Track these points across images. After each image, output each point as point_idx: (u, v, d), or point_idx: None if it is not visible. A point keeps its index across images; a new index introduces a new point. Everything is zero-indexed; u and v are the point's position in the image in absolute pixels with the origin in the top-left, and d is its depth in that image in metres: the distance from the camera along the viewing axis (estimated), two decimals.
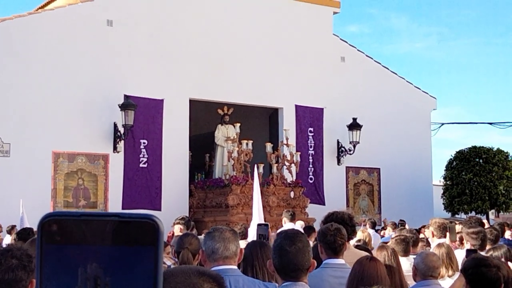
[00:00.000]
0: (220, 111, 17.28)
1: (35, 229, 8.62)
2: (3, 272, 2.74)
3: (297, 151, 16.78)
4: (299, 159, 16.73)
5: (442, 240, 7.19)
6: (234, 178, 15.25)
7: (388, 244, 6.90)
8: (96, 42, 15.99)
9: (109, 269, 0.84)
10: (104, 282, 0.83)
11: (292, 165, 16.36)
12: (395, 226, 13.95)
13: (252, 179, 15.29)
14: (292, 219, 10.79)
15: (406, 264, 6.21)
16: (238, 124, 16.41)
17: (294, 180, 16.45)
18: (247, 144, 15.89)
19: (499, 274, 3.79)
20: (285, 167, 16.26)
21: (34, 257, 2.82)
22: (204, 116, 19.04)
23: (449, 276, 5.70)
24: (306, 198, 16.44)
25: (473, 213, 20.20)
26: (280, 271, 3.49)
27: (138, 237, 0.85)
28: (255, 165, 12.82)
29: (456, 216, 21.35)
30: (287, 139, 16.73)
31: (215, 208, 15.68)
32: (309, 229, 10.27)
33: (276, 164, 16.11)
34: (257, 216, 9.36)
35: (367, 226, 13.83)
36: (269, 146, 16.29)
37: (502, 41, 58.17)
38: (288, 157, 16.34)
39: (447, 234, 7.27)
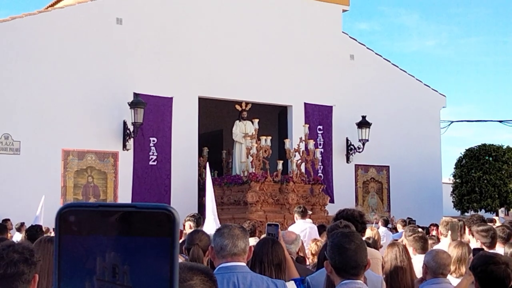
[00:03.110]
0: (238, 107, 17.17)
1: (44, 225, 8.62)
2: (5, 266, 2.74)
3: (305, 149, 16.60)
4: (319, 156, 16.59)
5: (447, 239, 7.17)
6: (253, 175, 14.98)
7: (400, 241, 6.90)
8: (105, 40, 16.04)
9: (127, 259, 0.85)
10: (122, 271, 0.84)
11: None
12: (404, 223, 13.92)
13: (271, 176, 15.26)
14: (304, 215, 10.70)
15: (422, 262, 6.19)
16: (257, 120, 16.18)
17: (314, 177, 16.24)
18: (266, 140, 15.62)
19: (508, 271, 3.79)
20: (303, 163, 16.06)
21: (35, 252, 2.85)
22: (213, 113, 19.09)
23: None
24: (326, 195, 16.20)
25: (483, 211, 20.15)
26: (340, 269, 3.52)
27: (155, 227, 0.85)
28: (207, 164, 12.55)
29: (466, 214, 21.27)
30: (306, 135, 16.62)
31: (233, 206, 15.43)
32: (321, 227, 10.24)
33: (296, 161, 15.87)
34: (211, 215, 9.40)
35: (380, 224, 13.84)
36: (287, 143, 16.14)
37: None
38: (306, 154, 16.12)
39: (445, 232, 7.26)
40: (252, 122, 16.41)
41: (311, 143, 16.31)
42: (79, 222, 0.86)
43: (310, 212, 14.62)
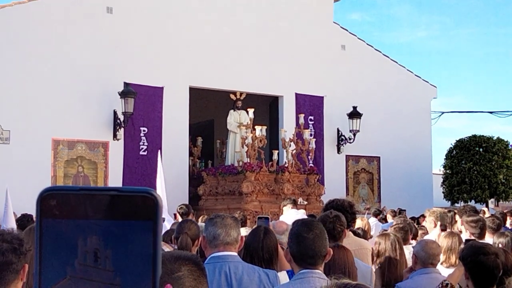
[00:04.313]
0: (232, 96, 17.05)
1: (34, 215, 8.62)
2: None
3: (300, 138, 16.45)
4: (314, 146, 16.53)
5: (436, 229, 7.21)
6: (248, 165, 14.86)
7: (388, 231, 6.92)
8: (96, 29, 15.95)
9: (109, 243, 0.84)
10: (104, 255, 0.83)
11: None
12: (394, 213, 13.99)
13: (267, 166, 15.20)
14: (294, 206, 10.72)
15: (405, 252, 6.22)
16: (252, 110, 15.96)
17: (309, 167, 16.17)
18: (261, 130, 15.41)
19: (497, 261, 3.80)
20: (299, 153, 15.97)
21: (25, 241, 2.81)
22: (204, 103, 19.06)
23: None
24: (321, 185, 16.10)
25: (473, 202, 20.24)
26: (298, 258, 3.48)
27: (137, 211, 0.84)
28: (159, 151, 12.48)
29: (456, 205, 21.36)
30: (302, 125, 16.55)
31: (228, 196, 15.32)
32: (311, 217, 10.23)
33: (291, 151, 15.76)
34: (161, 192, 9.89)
35: (371, 214, 13.94)
36: (283, 132, 16.05)
37: (504, 31, 58.13)
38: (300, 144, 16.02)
39: (437, 222, 7.30)
40: (247, 112, 16.23)
41: (307, 133, 16.24)
42: (60, 206, 0.84)
43: (305, 202, 14.64)
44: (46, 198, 0.85)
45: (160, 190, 10.06)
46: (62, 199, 0.85)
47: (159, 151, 12.07)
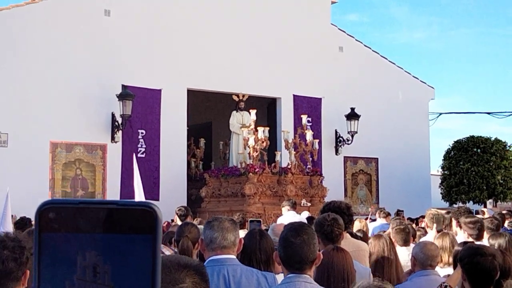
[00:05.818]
0: (235, 98, 17.02)
1: (32, 218, 8.60)
2: None
3: (300, 140, 16.28)
4: (317, 147, 16.43)
5: (433, 231, 7.21)
6: (251, 167, 14.74)
7: (387, 233, 6.91)
8: (93, 32, 15.95)
9: (108, 257, 0.83)
10: (103, 270, 0.83)
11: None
12: (386, 214, 13.93)
13: (269, 167, 15.13)
14: (293, 208, 10.70)
15: (406, 254, 6.22)
16: (254, 111, 15.82)
17: (313, 168, 16.08)
18: (263, 131, 15.23)
19: (494, 262, 3.80)
20: (301, 155, 15.89)
21: (26, 249, 2.78)
22: (202, 105, 19.05)
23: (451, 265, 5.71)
24: (324, 187, 15.95)
25: (471, 203, 20.24)
26: (285, 262, 3.47)
27: (137, 225, 0.84)
28: (134, 154, 12.39)
29: (454, 206, 21.37)
30: (304, 126, 16.50)
31: (230, 198, 15.18)
32: (310, 219, 10.24)
33: (294, 152, 15.64)
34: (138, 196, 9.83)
35: (377, 215, 13.87)
36: (286, 133, 15.93)
37: (502, 32, 58.21)
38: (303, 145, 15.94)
39: (434, 224, 7.31)
40: (250, 113, 16.09)
41: (309, 134, 16.16)
42: (59, 219, 0.84)
43: (309, 204, 14.56)
44: (45, 211, 0.84)
45: (138, 190, 10.02)
46: (61, 213, 0.84)
47: (134, 155, 12.11)
